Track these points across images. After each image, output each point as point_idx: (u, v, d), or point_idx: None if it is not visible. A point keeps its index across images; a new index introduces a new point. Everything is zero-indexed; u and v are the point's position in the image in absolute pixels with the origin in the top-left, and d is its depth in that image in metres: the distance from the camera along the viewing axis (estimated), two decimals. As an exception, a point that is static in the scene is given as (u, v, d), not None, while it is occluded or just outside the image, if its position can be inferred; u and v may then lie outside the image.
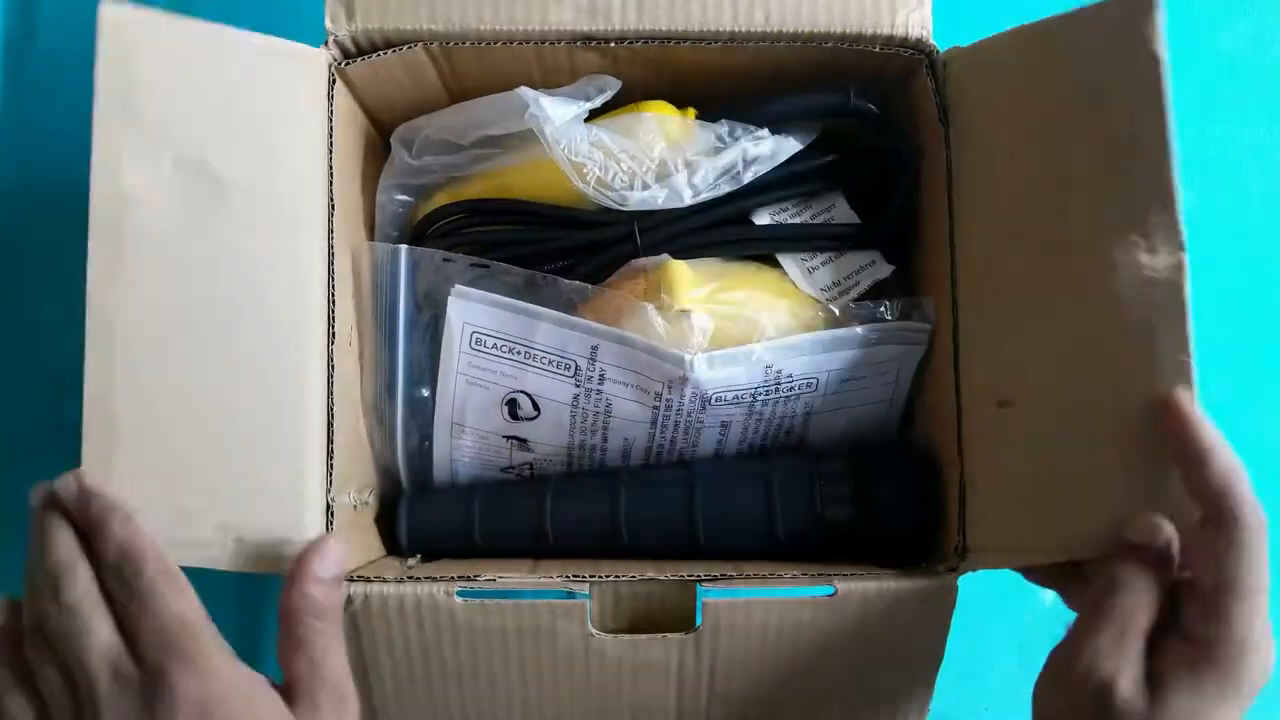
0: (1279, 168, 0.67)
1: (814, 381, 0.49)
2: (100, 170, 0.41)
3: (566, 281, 0.48)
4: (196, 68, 0.43)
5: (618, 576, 0.45)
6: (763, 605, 0.44)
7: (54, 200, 0.63)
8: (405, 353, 0.50)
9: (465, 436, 0.51)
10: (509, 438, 0.51)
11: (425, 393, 0.50)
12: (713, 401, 0.48)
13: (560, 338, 0.47)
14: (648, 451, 0.51)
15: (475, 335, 0.48)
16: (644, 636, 0.44)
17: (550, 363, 0.48)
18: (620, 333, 0.46)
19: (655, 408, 0.49)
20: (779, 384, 0.48)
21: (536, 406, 0.49)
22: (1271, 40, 0.68)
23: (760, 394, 0.49)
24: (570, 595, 0.45)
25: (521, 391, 0.49)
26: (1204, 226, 0.62)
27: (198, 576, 0.62)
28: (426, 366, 0.50)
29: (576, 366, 0.48)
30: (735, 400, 0.48)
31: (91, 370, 0.41)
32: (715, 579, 0.45)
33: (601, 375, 0.48)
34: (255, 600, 0.61)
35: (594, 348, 0.47)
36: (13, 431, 0.62)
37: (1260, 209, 0.67)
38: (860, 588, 0.44)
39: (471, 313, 0.48)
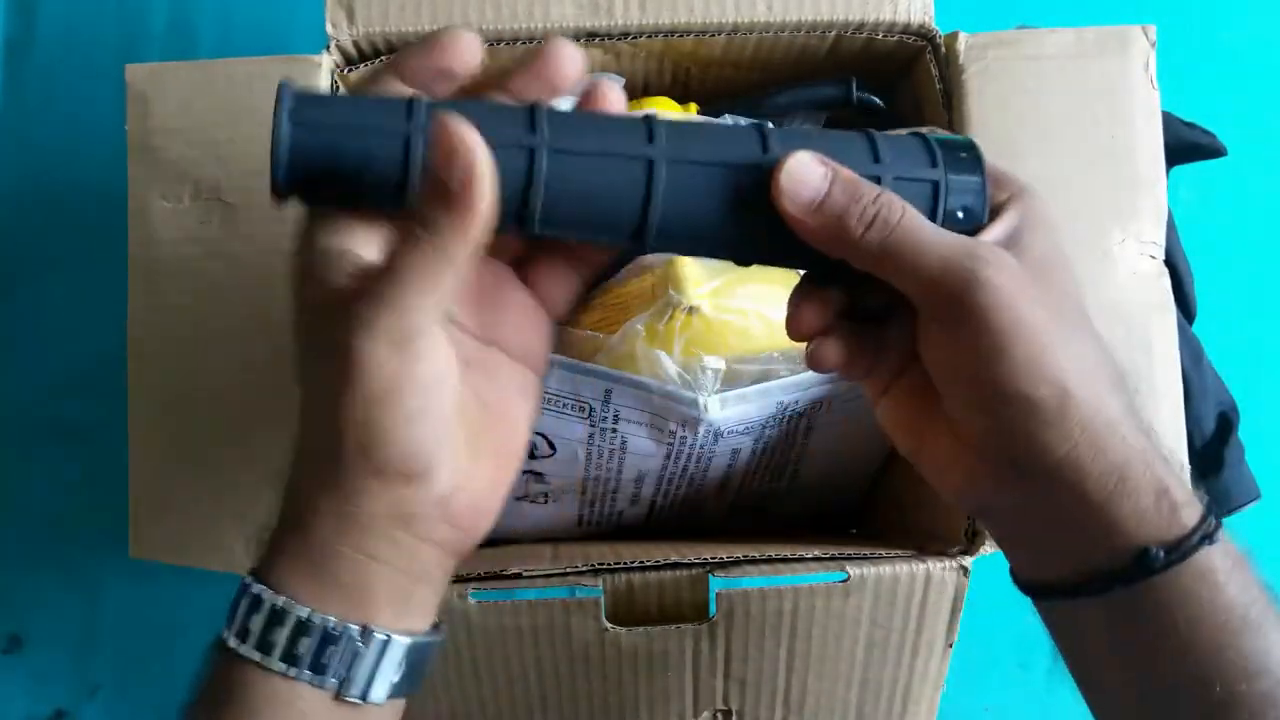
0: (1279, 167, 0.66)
1: (820, 403, 0.49)
2: (135, 214, 0.45)
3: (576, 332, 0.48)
4: (205, 105, 0.46)
5: (632, 563, 0.45)
6: (776, 593, 0.45)
7: (55, 201, 0.64)
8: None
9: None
10: (526, 472, 0.51)
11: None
12: (725, 435, 0.48)
13: (573, 382, 0.46)
14: (660, 479, 0.51)
15: None
16: (658, 628, 0.45)
17: (563, 405, 0.47)
18: (634, 378, 0.46)
19: (669, 444, 0.48)
20: (786, 411, 0.48)
21: (552, 445, 0.49)
22: (1272, 40, 0.67)
23: (770, 423, 0.49)
24: (573, 591, 0.45)
25: (537, 434, 0.48)
26: (1204, 225, 0.62)
27: (208, 582, 0.63)
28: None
29: (590, 409, 0.47)
30: (746, 430, 0.48)
31: (134, 389, 0.45)
32: (727, 565, 0.45)
33: (615, 416, 0.47)
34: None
35: (608, 391, 0.46)
36: (13, 431, 0.63)
37: (1261, 208, 0.67)
38: (873, 573, 0.45)
39: None
